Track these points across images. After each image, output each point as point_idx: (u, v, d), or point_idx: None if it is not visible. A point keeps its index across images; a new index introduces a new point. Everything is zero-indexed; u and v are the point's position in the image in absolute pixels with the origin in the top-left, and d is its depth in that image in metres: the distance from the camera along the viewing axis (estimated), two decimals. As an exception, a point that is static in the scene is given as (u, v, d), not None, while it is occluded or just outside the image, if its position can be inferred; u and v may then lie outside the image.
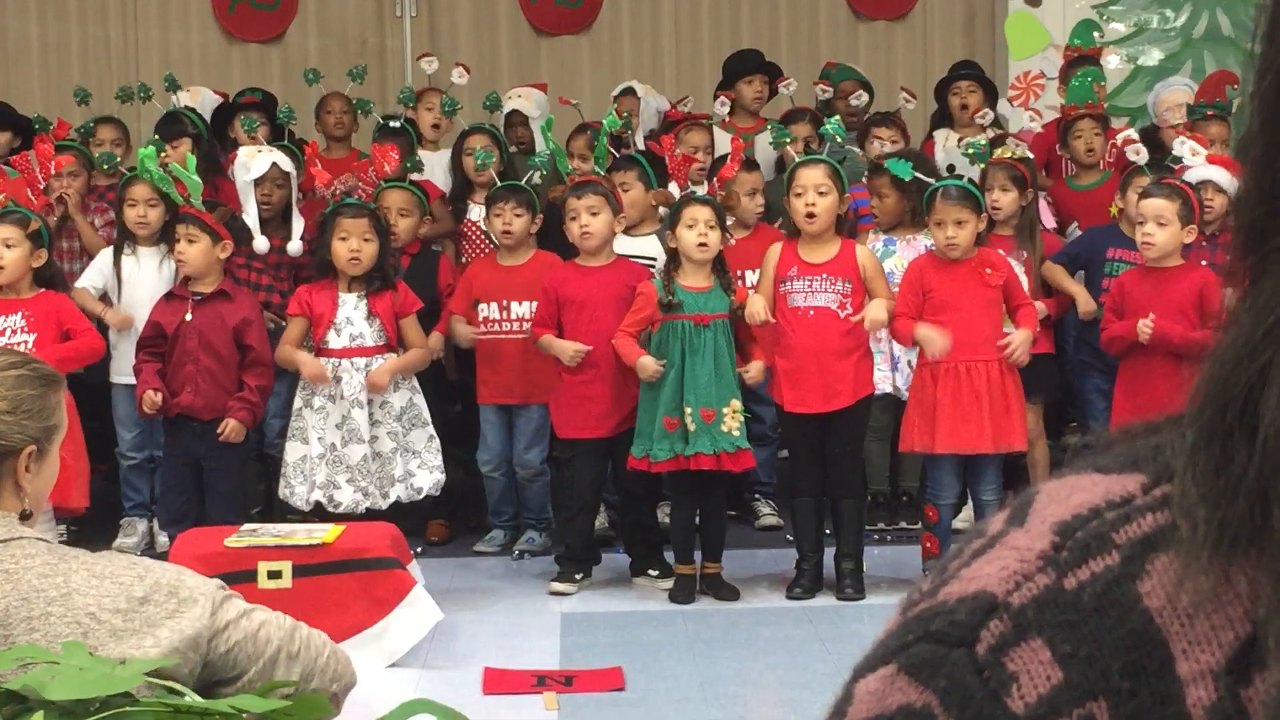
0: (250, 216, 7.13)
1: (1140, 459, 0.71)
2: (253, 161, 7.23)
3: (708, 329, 6.36)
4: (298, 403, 6.71)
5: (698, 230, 6.34)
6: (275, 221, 7.34)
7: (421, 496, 6.76)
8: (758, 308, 6.34)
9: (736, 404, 6.34)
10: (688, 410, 6.29)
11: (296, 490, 6.64)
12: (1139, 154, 7.04)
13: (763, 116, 8.74)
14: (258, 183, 7.25)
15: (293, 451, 6.66)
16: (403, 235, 7.15)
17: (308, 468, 6.63)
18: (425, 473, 6.70)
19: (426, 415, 6.73)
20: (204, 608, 2.42)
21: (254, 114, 8.35)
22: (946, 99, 8.67)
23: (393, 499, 6.66)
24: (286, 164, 7.37)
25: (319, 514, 6.56)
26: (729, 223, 6.63)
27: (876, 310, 6.31)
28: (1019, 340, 6.30)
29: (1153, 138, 7.96)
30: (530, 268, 7.00)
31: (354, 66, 9.06)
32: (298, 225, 7.36)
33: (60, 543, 2.61)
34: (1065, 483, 0.72)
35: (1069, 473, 0.72)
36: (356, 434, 6.61)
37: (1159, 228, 6.37)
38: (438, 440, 6.75)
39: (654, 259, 6.85)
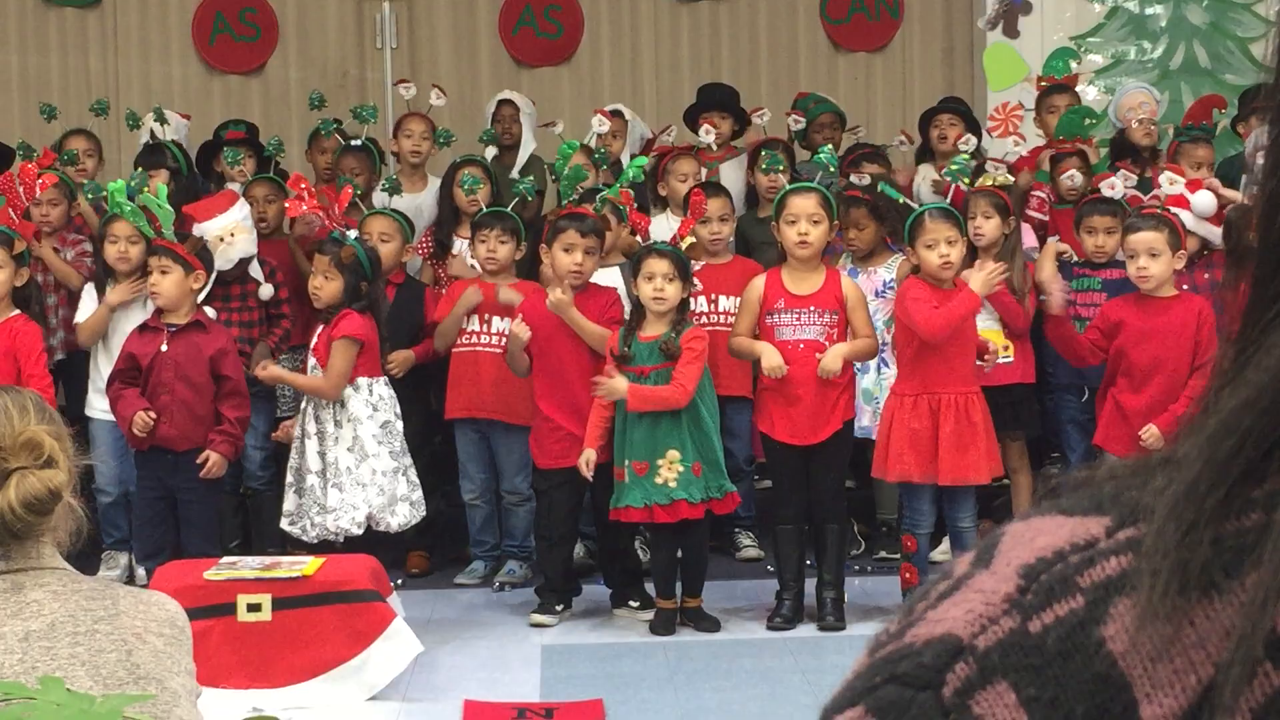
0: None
1: (1104, 501, 0.71)
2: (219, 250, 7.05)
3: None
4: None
5: (654, 285, 6.36)
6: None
7: (394, 532, 6.67)
8: (776, 363, 6.34)
9: (674, 455, 6.32)
10: (628, 462, 6.31)
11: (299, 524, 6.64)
12: (1125, 179, 7.09)
13: (732, 145, 8.74)
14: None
15: (290, 502, 6.67)
16: (385, 261, 7.12)
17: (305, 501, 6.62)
18: (406, 506, 6.65)
19: (399, 447, 6.66)
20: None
21: (240, 148, 8.30)
22: (928, 133, 8.72)
23: (371, 526, 6.60)
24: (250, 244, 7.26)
25: (299, 545, 6.54)
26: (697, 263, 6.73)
27: (831, 360, 6.34)
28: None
29: (1120, 143, 8.08)
30: (515, 288, 7.02)
31: (358, 108, 8.79)
32: (258, 270, 7.38)
33: None
34: (1030, 525, 0.72)
35: (1034, 515, 0.72)
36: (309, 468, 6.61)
37: (1152, 259, 6.38)
38: (414, 474, 6.69)
39: (613, 287, 6.89)
